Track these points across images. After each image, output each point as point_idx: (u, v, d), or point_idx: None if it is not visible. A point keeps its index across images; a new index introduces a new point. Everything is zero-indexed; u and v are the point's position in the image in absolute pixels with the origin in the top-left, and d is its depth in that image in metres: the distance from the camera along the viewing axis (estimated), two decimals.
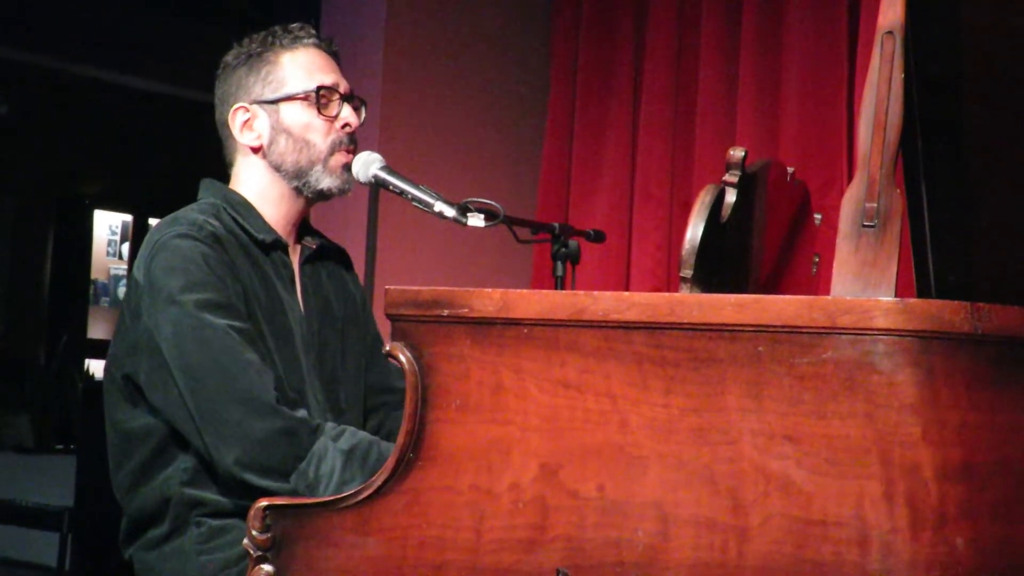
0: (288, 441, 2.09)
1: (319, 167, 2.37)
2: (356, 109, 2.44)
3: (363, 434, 2.14)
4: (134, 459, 2.26)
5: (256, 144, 2.39)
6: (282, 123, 2.37)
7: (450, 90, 5.14)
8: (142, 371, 2.22)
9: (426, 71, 5.07)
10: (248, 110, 2.39)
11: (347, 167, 2.40)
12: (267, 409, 2.10)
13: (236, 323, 2.17)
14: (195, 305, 2.15)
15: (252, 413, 2.10)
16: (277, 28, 2.42)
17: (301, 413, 2.13)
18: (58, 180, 9.43)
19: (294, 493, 2.05)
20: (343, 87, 2.41)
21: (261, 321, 2.26)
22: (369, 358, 2.52)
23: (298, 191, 2.39)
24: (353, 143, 2.41)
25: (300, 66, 2.39)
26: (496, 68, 5.27)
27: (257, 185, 2.40)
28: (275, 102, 2.37)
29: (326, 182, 2.38)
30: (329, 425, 2.14)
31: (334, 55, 2.46)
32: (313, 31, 2.44)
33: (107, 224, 9.97)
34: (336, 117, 2.38)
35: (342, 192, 2.41)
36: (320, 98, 2.37)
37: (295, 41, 2.40)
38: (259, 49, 2.40)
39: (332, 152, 2.38)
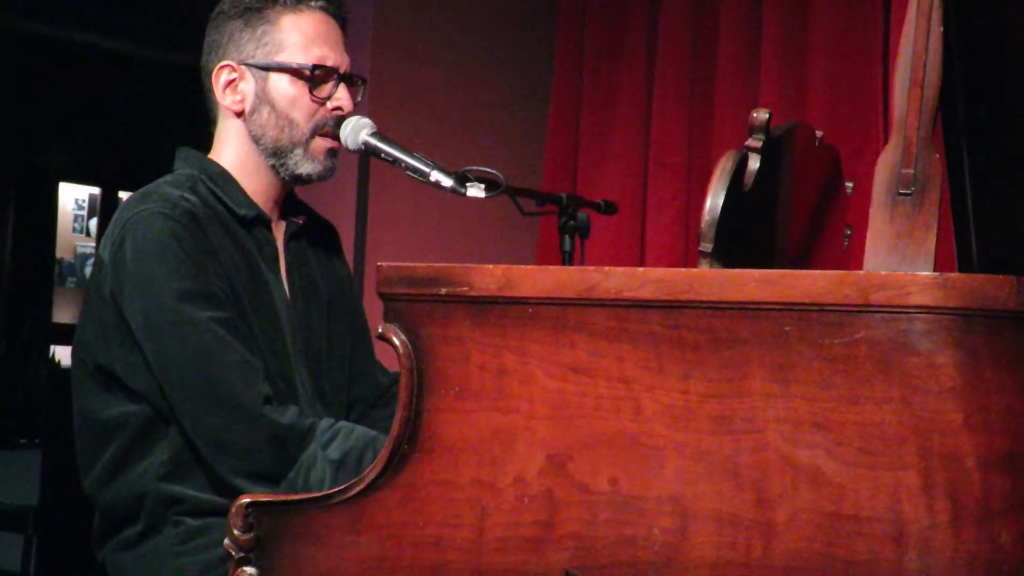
0: (274, 449, 2.10)
1: (299, 150, 2.36)
2: (353, 89, 2.43)
3: (358, 434, 2.13)
4: (108, 451, 2.26)
5: (238, 108, 2.38)
6: (268, 92, 2.36)
7: (446, 47, 5.13)
8: (117, 359, 2.22)
9: (420, 25, 5.06)
10: (235, 70, 2.38)
11: (331, 152, 2.39)
12: (251, 415, 2.11)
13: (218, 314, 2.17)
14: (172, 295, 2.15)
15: (236, 419, 2.11)
16: None
17: (289, 415, 2.13)
18: (18, 150, 9.42)
19: None
20: (344, 65, 2.39)
21: (245, 305, 2.26)
22: (353, 346, 2.52)
23: (275, 169, 2.38)
24: (339, 127, 2.39)
25: (301, 33, 2.36)
26: (497, 22, 5.25)
27: (236, 153, 2.39)
28: (265, 69, 2.36)
29: (305, 167, 2.37)
30: (322, 426, 2.13)
31: (342, 22, 2.44)
32: None
33: (73, 198, 9.96)
34: (328, 99, 2.37)
35: (322, 178, 2.40)
36: (315, 77, 2.36)
37: (300, 2, 2.37)
38: (259, 3, 2.37)
39: (314, 135, 2.37)
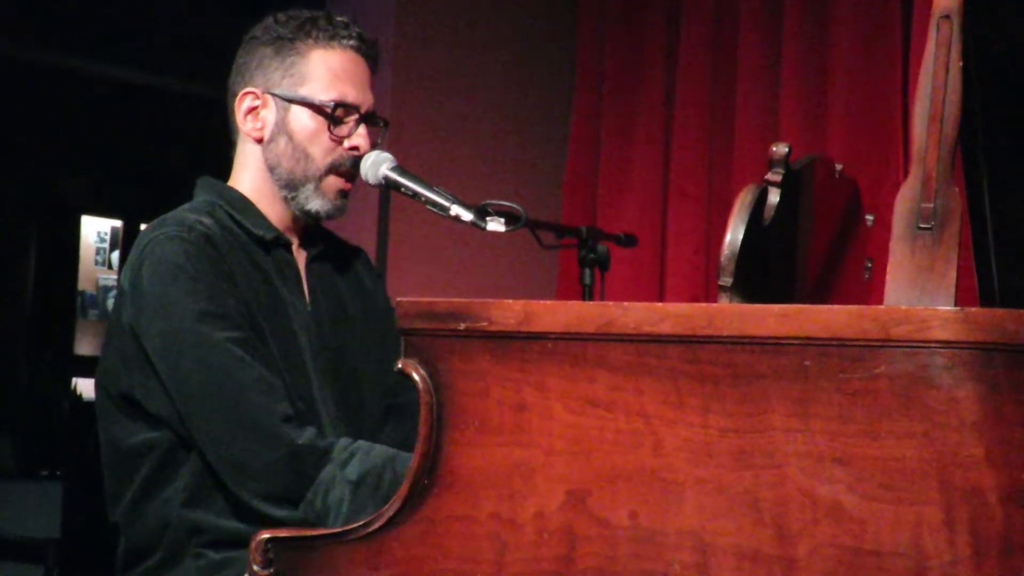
0: (293, 470, 2.09)
1: (311, 185, 2.37)
2: (374, 129, 2.43)
3: (378, 453, 2.12)
4: (136, 479, 2.27)
5: (257, 135, 2.40)
6: (287, 124, 2.37)
7: (466, 80, 5.15)
8: (136, 385, 2.23)
9: (440, 59, 5.08)
10: (259, 97, 2.39)
11: (343, 193, 2.40)
12: (269, 433, 2.11)
13: (235, 334, 2.17)
14: (189, 316, 2.16)
15: (254, 438, 2.11)
16: (320, 17, 2.40)
17: (307, 435, 2.13)
18: (40, 183, 9.46)
19: (304, 523, 2.06)
20: (366, 105, 2.40)
21: (263, 326, 2.26)
22: (392, 354, 2.51)
23: (286, 201, 2.39)
24: (356, 167, 2.40)
25: (327, 68, 2.37)
26: (516, 56, 5.27)
27: (253, 179, 2.40)
28: (288, 100, 2.37)
29: (315, 204, 2.38)
30: (340, 445, 2.13)
31: (372, 62, 2.45)
32: (358, 31, 2.42)
33: (95, 230, 10.01)
34: (347, 138, 2.38)
35: (331, 217, 2.41)
36: (335, 115, 2.37)
37: (333, 38, 2.39)
38: (292, 34, 2.38)
39: (329, 172, 2.38)
